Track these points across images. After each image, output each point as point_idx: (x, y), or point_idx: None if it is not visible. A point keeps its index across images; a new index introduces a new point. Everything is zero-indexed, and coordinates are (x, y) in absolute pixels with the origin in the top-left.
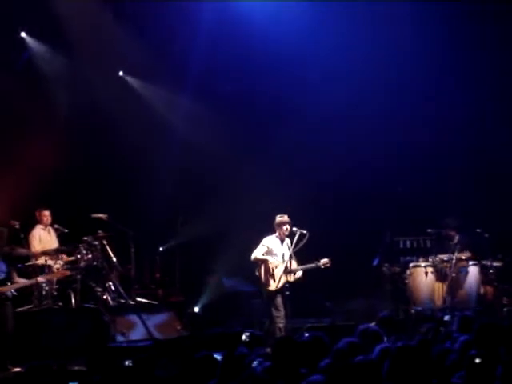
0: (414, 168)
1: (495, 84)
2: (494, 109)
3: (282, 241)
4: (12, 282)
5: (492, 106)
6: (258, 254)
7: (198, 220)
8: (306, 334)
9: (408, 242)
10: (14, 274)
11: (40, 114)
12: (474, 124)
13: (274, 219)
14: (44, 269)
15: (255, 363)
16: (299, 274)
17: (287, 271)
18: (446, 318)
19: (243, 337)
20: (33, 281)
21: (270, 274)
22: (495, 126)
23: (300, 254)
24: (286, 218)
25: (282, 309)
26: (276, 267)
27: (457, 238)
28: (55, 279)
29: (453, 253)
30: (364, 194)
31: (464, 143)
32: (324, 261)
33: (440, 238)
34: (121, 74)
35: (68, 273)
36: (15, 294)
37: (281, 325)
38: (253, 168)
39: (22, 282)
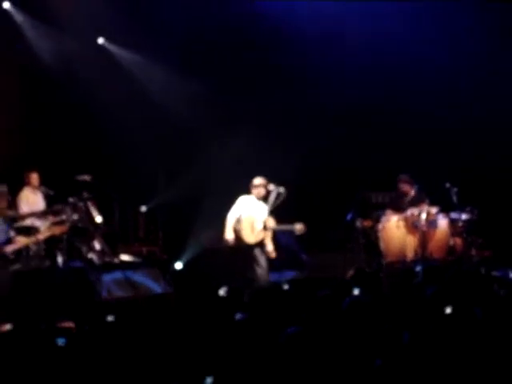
0: (388, 124)
1: None
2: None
3: (258, 201)
4: (13, 242)
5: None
6: (232, 215)
7: (180, 181)
8: (286, 287)
9: (380, 197)
10: (14, 234)
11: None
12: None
13: (251, 181)
14: (31, 230)
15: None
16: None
17: (265, 227)
18: (418, 269)
19: (220, 292)
20: (33, 239)
21: (248, 229)
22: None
23: (276, 211)
24: (259, 180)
25: (262, 263)
26: (253, 223)
27: (412, 192)
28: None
29: (409, 207)
30: (338, 149)
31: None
32: (299, 226)
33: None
34: (100, 41)
35: (65, 229)
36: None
37: (262, 279)
38: (232, 131)
39: (22, 240)
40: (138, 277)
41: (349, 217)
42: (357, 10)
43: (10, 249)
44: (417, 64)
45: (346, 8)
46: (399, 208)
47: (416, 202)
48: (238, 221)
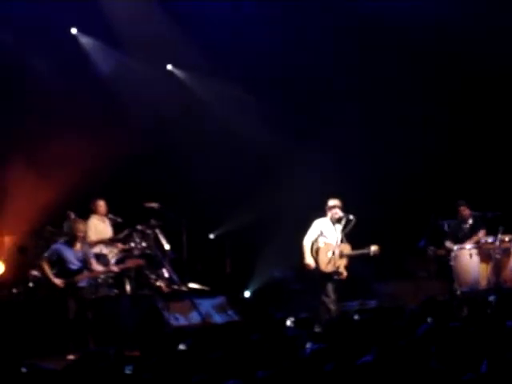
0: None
1: None
2: None
3: (334, 224)
4: (89, 270)
5: None
6: (310, 237)
7: (249, 207)
8: (356, 317)
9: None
10: (93, 261)
11: (93, 107)
12: None
13: (326, 203)
14: (99, 258)
15: (308, 345)
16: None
17: (342, 255)
18: (491, 298)
19: (288, 322)
20: (107, 269)
21: (325, 256)
22: None
23: (348, 239)
24: (337, 201)
25: (331, 294)
26: (330, 250)
27: (471, 220)
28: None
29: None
30: (411, 177)
31: None
32: (374, 248)
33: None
34: (169, 67)
35: (141, 262)
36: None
37: (331, 309)
38: (304, 154)
39: (96, 271)
40: (204, 307)
41: (421, 244)
42: None
43: (82, 278)
44: None
45: None
46: (457, 238)
47: (475, 230)
48: (316, 248)
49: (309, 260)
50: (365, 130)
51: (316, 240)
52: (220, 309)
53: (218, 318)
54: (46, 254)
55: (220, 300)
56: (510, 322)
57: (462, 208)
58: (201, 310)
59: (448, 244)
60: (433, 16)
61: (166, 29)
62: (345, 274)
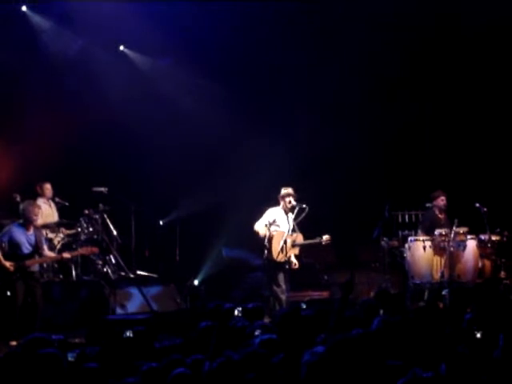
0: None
1: None
2: None
3: (286, 213)
4: (40, 256)
5: None
6: (259, 225)
7: (199, 194)
8: (304, 306)
9: (406, 216)
10: (45, 247)
11: (42, 90)
12: None
13: (279, 191)
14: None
15: (257, 333)
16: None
17: (293, 245)
18: (444, 292)
19: (235, 312)
20: (58, 256)
21: (277, 245)
22: None
23: (300, 229)
24: (290, 190)
25: (282, 284)
26: (283, 239)
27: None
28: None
29: (439, 227)
30: (364, 168)
31: None
32: (326, 237)
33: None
34: (122, 48)
35: (96, 250)
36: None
37: (281, 299)
38: (254, 140)
39: (48, 256)
40: (151, 294)
41: (374, 235)
42: None
43: (33, 262)
44: None
45: None
46: (433, 228)
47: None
48: (268, 237)
49: (260, 230)
50: (317, 119)
51: (268, 229)
52: (168, 297)
53: (165, 306)
54: None
55: (168, 288)
56: (467, 315)
57: (442, 198)
58: (148, 297)
59: (439, 230)
60: None
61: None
62: (297, 264)
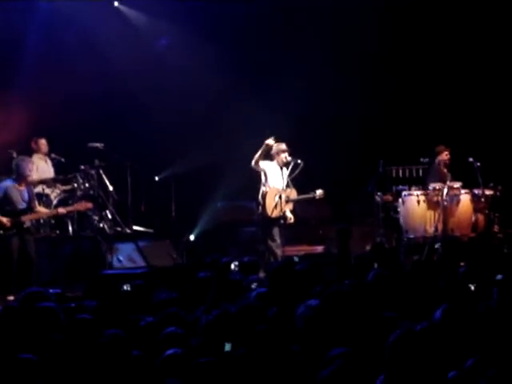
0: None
1: None
2: None
3: (281, 168)
4: (33, 212)
5: None
6: (257, 157)
7: (195, 150)
8: (296, 259)
9: (400, 171)
10: (36, 204)
11: (37, 47)
12: None
13: (271, 147)
14: (41, 198)
15: (253, 286)
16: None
17: (288, 200)
18: (437, 245)
19: (232, 266)
20: (53, 211)
21: (271, 200)
22: None
23: (294, 183)
24: (284, 145)
25: (277, 238)
26: (277, 195)
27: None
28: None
29: (444, 181)
30: (358, 124)
31: None
32: (319, 192)
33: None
34: (116, 4)
35: (90, 205)
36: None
37: (276, 253)
38: (250, 98)
39: (42, 212)
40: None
41: (369, 188)
42: None
43: (28, 218)
44: None
45: None
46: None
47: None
48: (262, 193)
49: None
50: (314, 76)
51: (263, 184)
52: (165, 252)
53: (162, 261)
54: None
55: (164, 243)
56: (461, 269)
57: (446, 153)
58: (145, 252)
59: (433, 184)
60: None
61: None
62: (292, 218)
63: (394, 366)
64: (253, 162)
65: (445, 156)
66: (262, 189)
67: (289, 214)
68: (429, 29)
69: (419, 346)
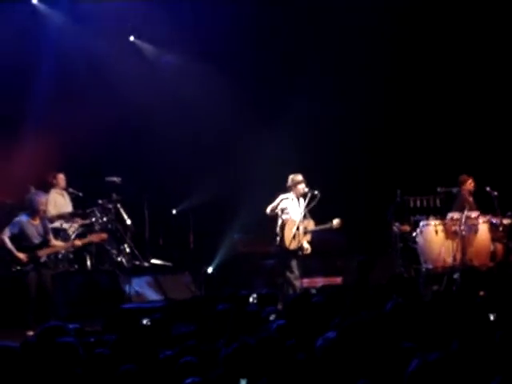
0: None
1: None
2: None
3: (298, 200)
4: (48, 246)
5: None
6: (273, 206)
7: (212, 183)
8: (314, 291)
9: (418, 201)
10: (52, 238)
11: (54, 81)
12: None
13: (287, 179)
14: (59, 233)
15: (272, 317)
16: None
17: (306, 231)
18: (456, 275)
19: (250, 299)
20: (69, 244)
21: (289, 232)
22: None
23: (311, 215)
24: (300, 176)
25: (295, 270)
26: (295, 226)
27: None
28: (86, 242)
29: (462, 211)
30: (374, 151)
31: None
32: (337, 221)
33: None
34: (131, 38)
35: (105, 236)
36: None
37: (295, 285)
38: (261, 129)
39: (58, 245)
40: (166, 282)
41: (387, 218)
42: None
43: (44, 253)
44: None
45: None
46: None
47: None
48: (280, 224)
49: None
50: (327, 105)
51: (280, 216)
52: (183, 285)
53: (180, 294)
54: (8, 228)
55: (183, 276)
56: (478, 299)
57: (470, 181)
58: (163, 285)
59: (468, 212)
60: None
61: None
62: (309, 249)
63: None
64: (268, 210)
65: (469, 185)
66: (280, 220)
67: (306, 245)
68: (445, 53)
69: (436, 375)
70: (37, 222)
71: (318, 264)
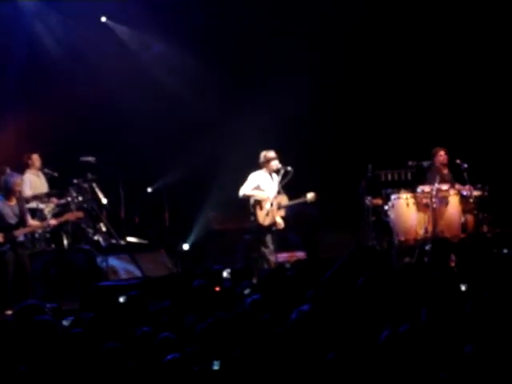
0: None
1: None
2: None
3: (271, 176)
4: (24, 226)
5: None
6: (246, 189)
7: (186, 161)
8: (288, 266)
9: (389, 175)
10: (28, 217)
11: (29, 62)
12: None
13: (260, 155)
14: (35, 213)
15: (247, 291)
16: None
17: (279, 207)
18: (427, 247)
19: (224, 273)
20: (45, 223)
21: (262, 209)
22: None
23: (284, 190)
24: (273, 153)
25: (270, 245)
26: (268, 202)
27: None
28: (62, 221)
29: (445, 181)
30: (345, 128)
31: None
32: (311, 195)
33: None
34: (103, 19)
35: (81, 214)
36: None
37: (270, 260)
38: (237, 106)
39: (34, 225)
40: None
41: (360, 192)
42: None
43: (20, 232)
44: None
45: None
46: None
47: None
48: (253, 201)
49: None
50: (302, 81)
51: (253, 196)
52: (159, 262)
53: (157, 271)
54: None
55: (159, 253)
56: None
57: (440, 153)
58: (139, 263)
59: (438, 185)
60: None
61: None
62: (282, 224)
63: (383, 367)
64: (241, 193)
65: (439, 157)
66: (253, 198)
67: (279, 220)
68: (414, 27)
69: (407, 346)
70: (13, 202)
71: (295, 238)
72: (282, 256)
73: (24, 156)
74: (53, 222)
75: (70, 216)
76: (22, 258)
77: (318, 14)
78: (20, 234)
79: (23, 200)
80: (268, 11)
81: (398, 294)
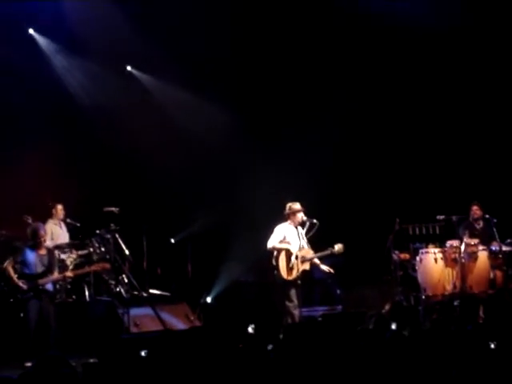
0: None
1: None
2: None
3: (296, 228)
4: (47, 276)
5: None
6: (274, 242)
7: (210, 213)
8: (319, 319)
9: (417, 229)
10: (55, 269)
11: (54, 112)
12: None
13: (285, 207)
14: (62, 264)
15: (269, 347)
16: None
17: (304, 260)
18: (456, 303)
19: (249, 329)
20: (60, 276)
21: (287, 262)
22: None
23: (310, 244)
24: (299, 205)
25: (294, 299)
26: (293, 256)
27: (481, 222)
28: (86, 272)
29: (461, 239)
30: (374, 182)
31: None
32: (339, 246)
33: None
34: (129, 68)
35: (108, 265)
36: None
37: (294, 314)
38: (260, 159)
39: (56, 275)
40: (165, 313)
41: (387, 246)
42: None
43: (43, 281)
44: None
45: None
46: (473, 234)
47: (486, 231)
48: (275, 257)
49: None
50: (326, 132)
51: (278, 249)
52: (181, 315)
53: (179, 325)
54: (12, 257)
55: (181, 306)
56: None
57: (475, 208)
58: (161, 316)
59: (467, 240)
60: None
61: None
62: (306, 278)
63: None
64: (270, 246)
65: (471, 211)
66: (275, 251)
67: (304, 275)
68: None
69: None
70: (42, 251)
71: (317, 293)
72: (307, 310)
73: (49, 205)
74: (68, 274)
75: (97, 267)
76: (46, 308)
77: (347, 65)
78: (44, 283)
79: (54, 251)
80: (294, 64)
81: (425, 351)
